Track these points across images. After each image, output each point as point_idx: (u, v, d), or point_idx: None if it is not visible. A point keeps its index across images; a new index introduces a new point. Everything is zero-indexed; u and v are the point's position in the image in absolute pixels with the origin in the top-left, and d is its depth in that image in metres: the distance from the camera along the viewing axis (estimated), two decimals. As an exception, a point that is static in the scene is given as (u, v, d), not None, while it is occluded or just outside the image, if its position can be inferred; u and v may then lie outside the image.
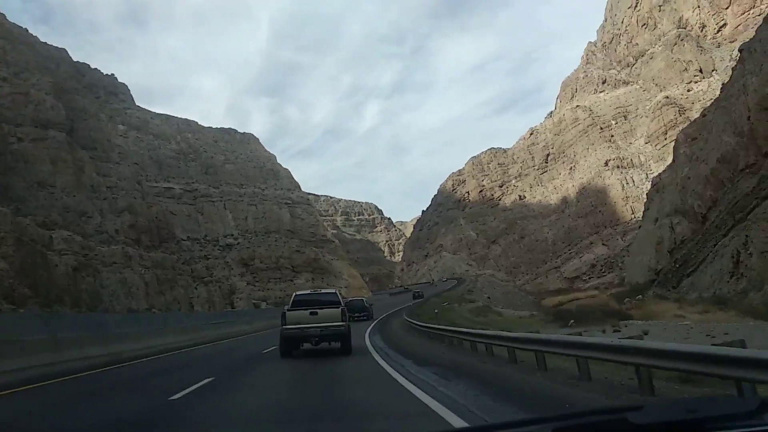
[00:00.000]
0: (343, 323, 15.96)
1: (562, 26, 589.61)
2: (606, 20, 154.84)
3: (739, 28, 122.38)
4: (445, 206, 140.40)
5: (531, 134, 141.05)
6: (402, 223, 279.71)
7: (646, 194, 57.68)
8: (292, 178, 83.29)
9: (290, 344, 16.05)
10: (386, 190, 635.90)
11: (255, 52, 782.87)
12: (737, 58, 40.25)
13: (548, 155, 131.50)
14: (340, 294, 19.06)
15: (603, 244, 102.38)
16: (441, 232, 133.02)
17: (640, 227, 56.39)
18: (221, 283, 66.65)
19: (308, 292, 19.33)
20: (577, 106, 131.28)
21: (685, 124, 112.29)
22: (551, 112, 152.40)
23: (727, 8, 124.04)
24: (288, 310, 16.30)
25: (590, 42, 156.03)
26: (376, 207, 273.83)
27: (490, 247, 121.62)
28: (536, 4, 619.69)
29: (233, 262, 71.79)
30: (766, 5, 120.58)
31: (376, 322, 34.92)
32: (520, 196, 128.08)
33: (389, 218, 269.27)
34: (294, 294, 17.88)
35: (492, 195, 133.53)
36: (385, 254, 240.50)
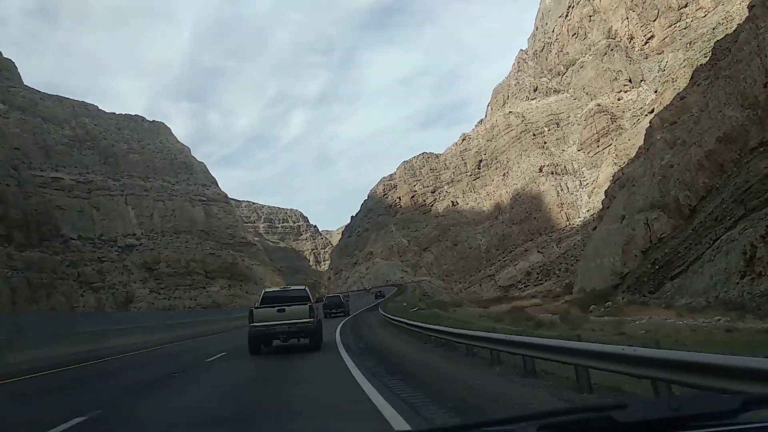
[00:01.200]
0: (311, 320, 15.88)
1: (485, 45, 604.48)
2: (537, 29, 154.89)
3: (665, 40, 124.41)
4: (376, 212, 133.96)
5: (463, 140, 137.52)
6: (328, 232, 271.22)
7: (605, 191, 53.06)
8: (208, 173, 73.76)
9: (258, 342, 15.98)
10: (312, 200, 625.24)
11: (177, 54, 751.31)
12: (746, 17, 35.68)
13: (481, 161, 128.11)
14: (309, 290, 18.35)
15: (538, 252, 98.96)
16: (371, 239, 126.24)
17: (595, 228, 51.63)
18: (115, 290, 56.20)
19: (277, 289, 20.06)
20: (510, 112, 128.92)
21: (617, 132, 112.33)
22: (481, 120, 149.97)
23: (654, 21, 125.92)
24: (256, 307, 16.34)
25: (521, 50, 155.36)
26: (301, 214, 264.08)
27: (422, 255, 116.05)
28: (460, 23, 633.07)
29: (133, 265, 61.24)
30: (691, 19, 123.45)
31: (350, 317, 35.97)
32: (452, 202, 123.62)
33: (315, 226, 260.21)
34: (263, 291, 17.83)
35: (424, 201, 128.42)
36: (311, 263, 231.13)
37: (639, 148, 52.33)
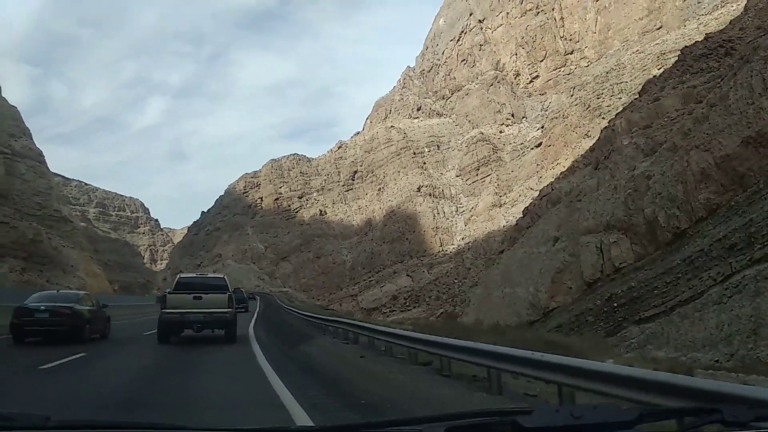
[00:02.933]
0: (229, 310, 15.48)
1: (359, 70, 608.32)
2: (426, 49, 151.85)
3: (549, 82, 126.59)
4: (232, 210, 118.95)
5: (339, 147, 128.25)
6: (171, 230, 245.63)
7: (525, 209, 45.64)
8: (21, 122, 55.66)
9: (169, 330, 15.32)
10: (158, 196, 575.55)
11: (23, 12, 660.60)
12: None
13: (356, 172, 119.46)
14: (227, 279, 17.06)
15: (407, 275, 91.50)
16: (222, 240, 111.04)
17: (502, 252, 43.88)
18: None
19: (193, 275, 19.36)
20: (392, 126, 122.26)
21: (497, 163, 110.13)
22: (358, 132, 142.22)
23: (541, 61, 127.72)
24: (169, 292, 15.63)
25: (409, 66, 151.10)
26: (142, 205, 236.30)
27: (280, 264, 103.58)
28: (338, 43, 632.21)
29: None
30: (575, 66, 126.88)
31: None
32: (321, 211, 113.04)
33: (156, 220, 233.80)
34: (178, 276, 17.09)
35: (289, 205, 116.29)
36: (145, 260, 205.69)
37: (578, 160, 45.91)
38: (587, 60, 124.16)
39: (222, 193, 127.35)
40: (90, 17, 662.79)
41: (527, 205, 50.30)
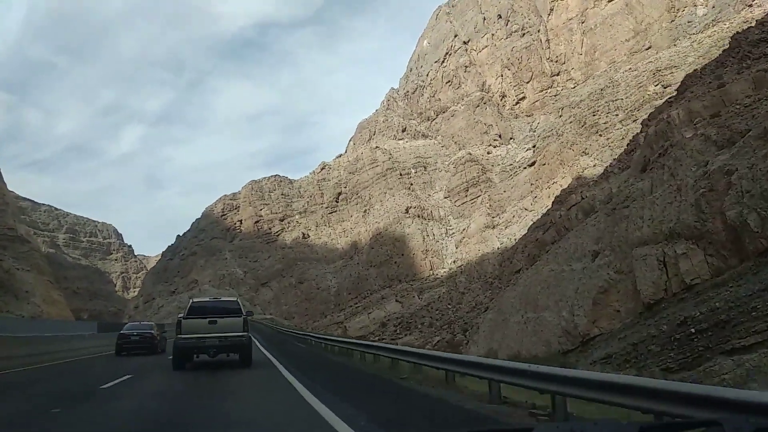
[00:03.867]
0: (245, 333, 15.56)
1: (339, 100, 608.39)
2: (411, 71, 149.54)
3: (536, 104, 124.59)
4: (210, 234, 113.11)
5: (323, 168, 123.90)
6: (145, 257, 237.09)
7: (552, 219, 41.53)
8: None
9: (185, 355, 15.34)
10: (133, 222, 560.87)
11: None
12: None
13: (340, 194, 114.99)
14: (242, 302, 17.36)
15: (397, 301, 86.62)
16: (198, 265, 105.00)
17: (519, 272, 39.48)
18: None
19: (207, 299, 19.29)
20: (377, 147, 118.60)
21: (487, 184, 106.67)
22: (341, 155, 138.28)
23: (528, 83, 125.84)
24: (184, 318, 15.55)
25: (393, 88, 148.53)
26: (115, 230, 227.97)
27: (260, 290, 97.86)
28: (320, 72, 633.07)
29: None
30: (561, 87, 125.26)
31: None
32: (303, 234, 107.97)
33: (130, 246, 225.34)
34: (191, 301, 16.86)
35: (270, 228, 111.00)
36: (117, 288, 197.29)
37: (612, 164, 41.89)
38: (574, 81, 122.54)
39: (199, 216, 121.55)
40: (68, 44, 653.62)
41: (547, 218, 45.99)
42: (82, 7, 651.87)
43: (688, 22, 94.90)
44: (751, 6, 79.07)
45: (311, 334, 38.75)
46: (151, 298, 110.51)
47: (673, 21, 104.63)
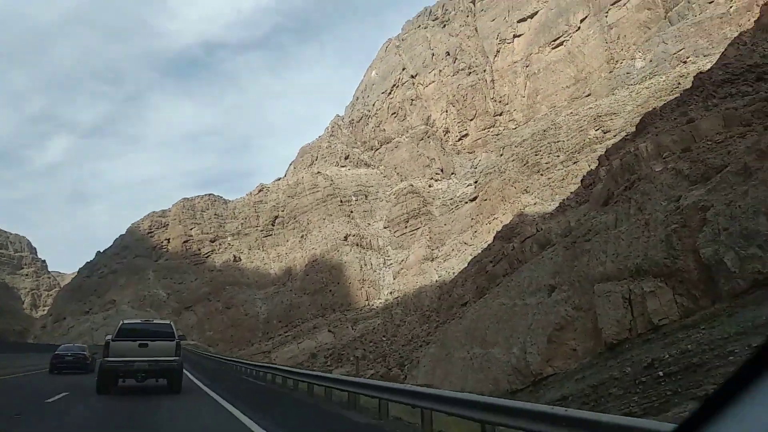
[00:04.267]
0: (177, 358, 15.04)
1: (282, 125, 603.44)
2: (357, 99, 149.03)
3: (478, 141, 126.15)
4: (133, 251, 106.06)
5: (260, 190, 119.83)
6: (60, 274, 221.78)
7: (503, 251, 39.94)
8: None
9: (110, 379, 14.76)
10: (52, 237, 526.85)
11: None
12: None
13: (276, 217, 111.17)
14: (175, 326, 16.60)
15: (329, 331, 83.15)
16: (119, 284, 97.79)
17: (465, 305, 37.52)
18: None
19: (138, 320, 18.37)
20: (319, 172, 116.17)
21: (427, 217, 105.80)
22: (280, 178, 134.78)
23: (471, 120, 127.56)
24: (112, 339, 14.88)
25: (338, 115, 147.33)
26: (29, 243, 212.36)
27: (183, 314, 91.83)
28: (264, 97, 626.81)
29: None
30: (503, 127, 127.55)
31: None
32: (235, 257, 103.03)
33: (44, 261, 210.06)
34: (120, 322, 16.25)
35: (200, 249, 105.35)
36: (25, 306, 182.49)
37: (569, 198, 40.81)
38: (515, 122, 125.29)
39: (123, 233, 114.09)
40: (0, 48, 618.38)
41: (497, 251, 44.54)
42: (23, 8, 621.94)
43: (627, 73, 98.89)
44: (685, 62, 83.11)
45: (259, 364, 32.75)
46: (61, 318, 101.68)
47: (611, 72, 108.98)
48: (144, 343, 14.72)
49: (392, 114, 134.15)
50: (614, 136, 75.03)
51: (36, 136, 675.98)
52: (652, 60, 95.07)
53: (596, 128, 79.16)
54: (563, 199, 45.63)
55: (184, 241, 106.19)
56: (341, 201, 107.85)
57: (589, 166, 74.43)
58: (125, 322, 16.45)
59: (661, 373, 19.33)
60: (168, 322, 17.26)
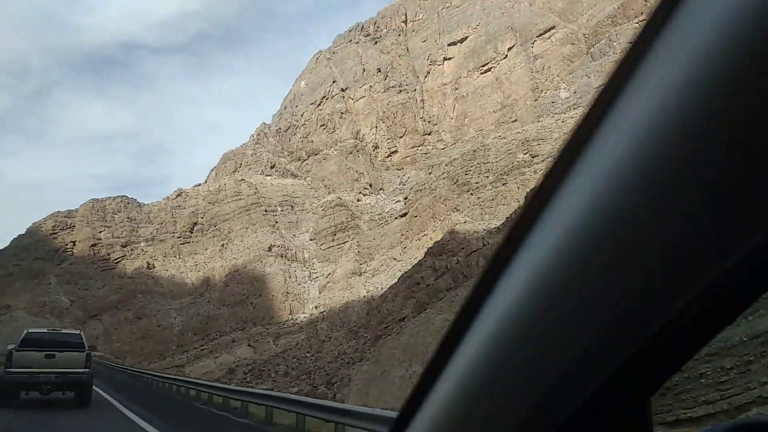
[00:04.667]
0: (86, 370, 14.44)
1: (199, 133, 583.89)
2: (285, 108, 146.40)
3: (407, 158, 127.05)
4: (33, 253, 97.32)
5: (179, 195, 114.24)
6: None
7: (446, 265, 39.33)
8: None
9: (12, 392, 13.84)
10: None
11: None
12: None
13: (195, 224, 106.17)
14: (85, 336, 16.00)
15: (249, 345, 79.83)
16: (15, 288, 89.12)
17: (403, 320, 36.52)
18: None
19: (44, 330, 17.63)
20: (242, 179, 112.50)
21: (355, 231, 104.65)
22: (200, 184, 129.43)
23: (401, 137, 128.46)
24: (16, 349, 14.00)
25: (264, 123, 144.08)
26: None
27: (88, 322, 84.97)
28: (186, 103, 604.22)
29: None
30: (432, 146, 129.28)
31: None
32: (148, 264, 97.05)
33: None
34: (25, 331, 15.35)
35: (109, 254, 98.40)
36: None
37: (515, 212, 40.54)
38: (444, 143, 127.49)
39: (23, 232, 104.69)
40: None
41: (425, 265, 43.96)
42: None
43: (552, 102, 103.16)
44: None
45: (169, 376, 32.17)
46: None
47: (536, 100, 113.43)
48: (51, 354, 13.93)
49: (321, 126, 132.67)
50: (542, 160, 77.72)
51: None
52: (576, 91, 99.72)
53: (524, 152, 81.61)
54: (510, 214, 46.02)
55: (92, 245, 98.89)
56: (266, 210, 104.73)
57: (518, 187, 76.61)
58: (30, 331, 15.66)
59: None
60: (78, 332, 16.58)
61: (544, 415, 0.65)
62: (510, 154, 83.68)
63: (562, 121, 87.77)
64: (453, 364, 0.76)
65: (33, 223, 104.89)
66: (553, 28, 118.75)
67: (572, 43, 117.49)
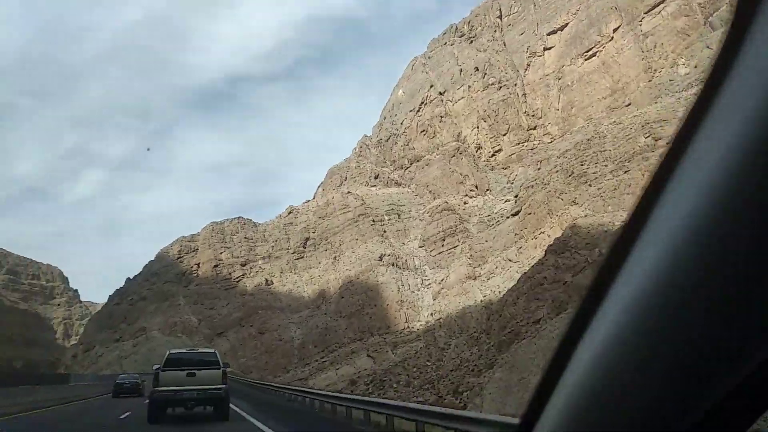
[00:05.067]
0: (224, 386, 15.48)
1: (302, 154, 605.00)
2: (384, 119, 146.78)
3: (512, 156, 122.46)
4: (163, 277, 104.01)
5: (290, 212, 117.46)
6: (92, 303, 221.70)
7: (586, 258, 36.14)
8: None
9: (161, 408, 15.32)
10: (83, 269, 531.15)
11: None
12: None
13: (308, 239, 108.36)
14: (219, 353, 17.29)
15: (368, 356, 79.35)
16: (149, 311, 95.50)
17: (539, 321, 33.59)
18: None
19: (183, 350, 19.32)
20: (349, 192, 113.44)
21: (464, 234, 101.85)
22: (309, 200, 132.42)
23: (504, 135, 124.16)
24: (161, 370, 15.38)
25: (365, 135, 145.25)
26: (60, 274, 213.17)
27: (215, 340, 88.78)
28: (290, 126, 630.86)
29: None
30: (538, 141, 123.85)
31: None
32: (266, 280, 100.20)
33: (76, 290, 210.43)
34: (168, 352, 16.67)
35: (230, 273, 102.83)
36: (58, 336, 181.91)
37: None
38: (551, 136, 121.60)
39: (152, 258, 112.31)
40: (33, 87, 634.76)
41: (547, 264, 40.59)
42: (52, 49, 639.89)
43: (669, 80, 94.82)
44: (736, 64, 78.82)
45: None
46: (91, 347, 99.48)
47: (651, 80, 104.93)
48: (192, 373, 15.00)
49: (421, 132, 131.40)
50: (667, 143, 70.89)
51: (68, 171, 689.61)
52: (697, 66, 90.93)
53: (646, 135, 74.99)
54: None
55: (214, 266, 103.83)
56: (373, 220, 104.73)
57: (642, 174, 70.31)
58: (172, 352, 16.88)
59: None
60: (213, 351, 17.46)
61: (653, 427, 0.64)
62: (630, 139, 77.29)
63: (685, 99, 79.91)
64: (570, 368, 0.75)
65: (161, 249, 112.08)
66: (663, 1, 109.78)
67: (686, 15, 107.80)
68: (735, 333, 0.57)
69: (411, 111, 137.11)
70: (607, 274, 0.73)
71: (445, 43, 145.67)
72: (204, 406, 16.09)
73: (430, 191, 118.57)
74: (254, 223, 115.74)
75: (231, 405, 21.72)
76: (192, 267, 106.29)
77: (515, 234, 79.45)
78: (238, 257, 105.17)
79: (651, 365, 0.65)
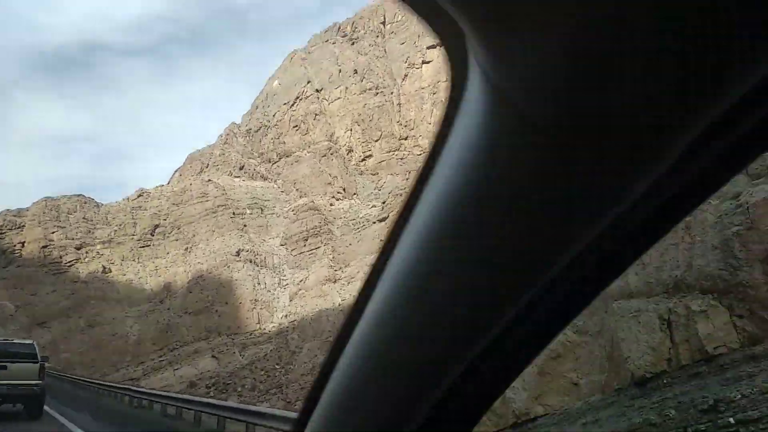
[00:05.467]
0: (39, 382, 14.41)
1: (162, 137, 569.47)
2: (257, 108, 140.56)
3: (382, 163, 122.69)
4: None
5: (140, 196, 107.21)
6: None
7: None
8: None
9: None
10: None
11: None
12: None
13: (157, 226, 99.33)
14: (38, 346, 15.67)
15: (213, 356, 73.59)
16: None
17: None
18: None
19: None
20: (209, 180, 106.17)
21: (328, 236, 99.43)
22: (163, 185, 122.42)
23: (376, 141, 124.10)
24: None
25: (234, 123, 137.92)
26: None
27: (35, 330, 77.30)
28: (148, 106, 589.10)
29: None
30: (408, 152, 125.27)
31: None
32: (104, 267, 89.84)
33: None
34: None
35: (61, 256, 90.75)
36: None
37: None
38: (420, 148, 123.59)
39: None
40: None
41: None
42: None
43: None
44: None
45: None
46: None
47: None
48: (3, 365, 13.86)
49: (294, 127, 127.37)
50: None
51: None
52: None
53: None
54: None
55: (43, 246, 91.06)
56: (234, 213, 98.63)
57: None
58: None
59: (731, 420, 14.57)
60: (31, 342, 16.46)
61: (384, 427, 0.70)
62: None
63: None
64: (337, 365, 0.78)
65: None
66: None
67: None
68: (456, 334, 0.66)
69: (285, 104, 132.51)
70: (375, 273, 0.78)
71: (327, 41, 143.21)
72: (13, 404, 14.73)
73: (297, 189, 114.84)
74: (96, 203, 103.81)
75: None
76: (15, 245, 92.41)
77: (380, 240, 78.51)
78: (72, 239, 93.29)
79: (381, 365, 0.72)
